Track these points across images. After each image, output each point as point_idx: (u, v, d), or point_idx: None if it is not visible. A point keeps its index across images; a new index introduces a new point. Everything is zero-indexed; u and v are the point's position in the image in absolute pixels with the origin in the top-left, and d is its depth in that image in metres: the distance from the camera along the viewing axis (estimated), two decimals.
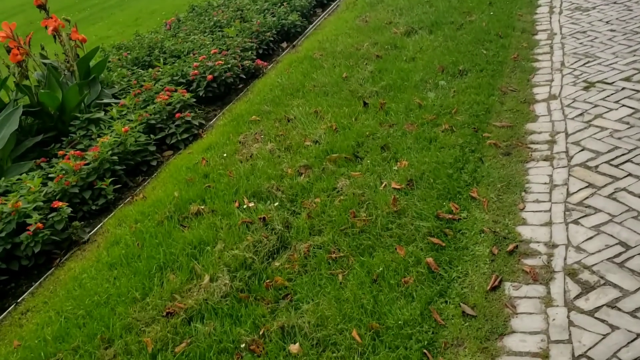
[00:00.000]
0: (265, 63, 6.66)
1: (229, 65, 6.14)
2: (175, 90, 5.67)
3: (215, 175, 4.31)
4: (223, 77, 6.01)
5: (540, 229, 3.31)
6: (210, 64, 6.07)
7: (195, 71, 6.01)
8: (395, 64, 5.84)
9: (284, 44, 7.50)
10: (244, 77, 6.36)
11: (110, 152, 4.51)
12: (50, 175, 4.41)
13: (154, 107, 5.30)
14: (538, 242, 3.21)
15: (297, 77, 5.98)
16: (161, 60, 6.72)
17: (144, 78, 6.38)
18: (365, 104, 5.06)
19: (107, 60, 6.48)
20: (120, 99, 5.90)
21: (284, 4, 8.21)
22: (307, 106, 5.28)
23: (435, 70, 5.49)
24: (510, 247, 3.18)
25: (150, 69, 6.63)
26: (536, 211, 3.46)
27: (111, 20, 12.58)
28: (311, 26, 8.03)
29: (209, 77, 5.94)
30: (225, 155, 4.63)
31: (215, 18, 8.08)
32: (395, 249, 3.23)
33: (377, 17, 7.54)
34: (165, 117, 5.28)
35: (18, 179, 4.39)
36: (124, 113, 5.38)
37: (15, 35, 5.10)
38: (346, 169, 4.14)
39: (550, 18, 6.58)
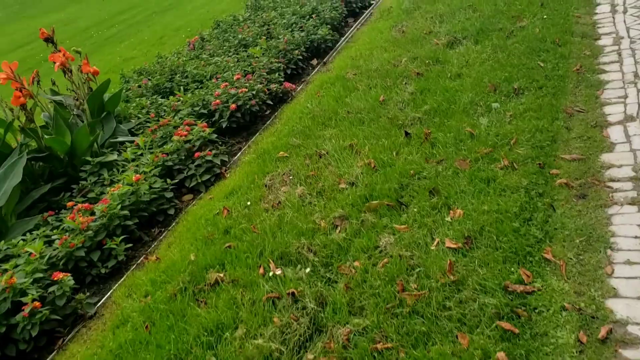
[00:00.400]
0: (294, 86, 6.08)
1: (254, 92, 5.58)
2: (195, 124, 5.15)
3: (237, 231, 3.75)
4: (247, 106, 5.45)
5: (637, 303, 2.63)
6: (234, 92, 5.53)
7: (217, 101, 5.47)
8: (438, 83, 5.17)
9: (314, 61, 6.91)
10: (271, 102, 5.80)
11: (120, 206, 4.00)
12: (55, 237, 3.92)
13: (172, 146, 4.78)
14: (638, 323, 2.53)
15: (329, 102, 5.38)
16: (181, 89, 6.22)
17: (164, 108, 5.90)
18: (407, 134, 4.42)
19: (122, 91, 6.00)
20: (137, 134, 5.42)
21: (313, 16, 7.63)
22: (340, 138, 4.67)
23: (485, 89, 4.80)
24: (602, 331, 2.51)
25: (171, 97, 6.14)
26: (629, 277, 2.77)
27: (137, 38, 12.24)
28: (343, 39, 7.42)
29: (232, 106, 5.39)
30: (249, 203, 4.06)
31: (240, 36, 7.54)
32: (457, 337, 2.59)
33: (414, 26, 6.87)
34: (183, 157, 4.76)
35: (21, 240, 3.93)
36: (139, 153, 4.89)
37: (17, 76, 4.66)
38: (389, 220, 3.51)
39: (614, 18, 5.79)
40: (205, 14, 11.98)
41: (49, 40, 5.17)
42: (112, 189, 4.22)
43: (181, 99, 5.85)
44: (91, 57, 12.20)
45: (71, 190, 4.68)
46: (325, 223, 3.60)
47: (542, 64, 4.99)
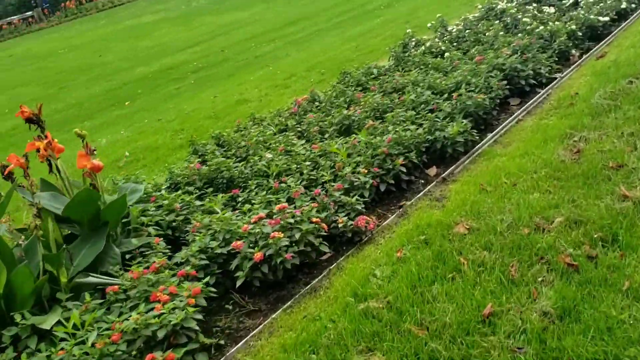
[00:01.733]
0: (372, 224, 3.94)
1: (301, 232, 3.65)
2: (191, 280, 3.38)
3: None
4: (280, 259, 3.54)
5: None
6: (269, 229, 3.65)
7: (239, 243, 3.62)
8: (599, 303, 2.77)
9: (432, 170, 4.73)
10: (327, 249, 3.81)
11: None
12: None
13: (128, 325, 3.04)
14: None
15: (404, 288, 3.22)
16: (218, 199, 4.46)
17: (198, 216, 4.23)
18: None
19: (126, 197, 4.28)
20: (131, 264, 3.76)
21: (453, 95, 5.40)
22: None
23: None
24: None
25: (216, 198, 4.48)
26: None
27: (275, 66, 10.74)
28: (489, 137, 5.08)
29: (257, 256, 3.50)
30: None
31: (346, 112, 5.60)
32: None
33: (598, 145, 4.33)
34: (136, 353, 3.00)
35: None
36: (99, 315, 3.25)
37: None
38: None
39: None
40: (351, 50, 10.16)
41: (32, 121, 3.76)
42: None
43: (212, 216, 4.08)
44: (220, 83, 10.93)
45: None
46: None
47: None
